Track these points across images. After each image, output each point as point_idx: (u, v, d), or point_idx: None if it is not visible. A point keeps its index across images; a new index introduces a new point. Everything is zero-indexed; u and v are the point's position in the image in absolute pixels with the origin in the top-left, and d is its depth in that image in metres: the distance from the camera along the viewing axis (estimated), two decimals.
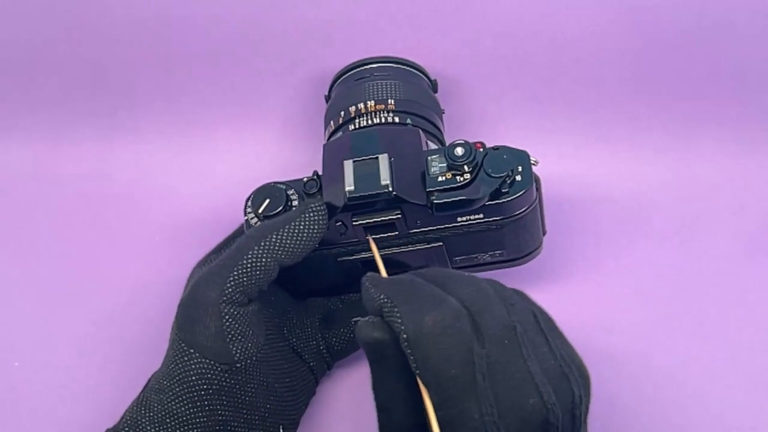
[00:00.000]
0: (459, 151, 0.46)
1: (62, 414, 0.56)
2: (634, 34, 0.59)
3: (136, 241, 0.62)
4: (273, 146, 0.64)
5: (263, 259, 0.44)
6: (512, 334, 0.39)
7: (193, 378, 0.43)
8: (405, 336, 0.38)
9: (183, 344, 0.44)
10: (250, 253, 0.44)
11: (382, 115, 0.51)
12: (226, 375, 0.44)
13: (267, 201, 0.47)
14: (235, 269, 0.44)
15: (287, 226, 0.45)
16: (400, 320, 0.38)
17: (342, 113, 0.52)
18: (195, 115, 0.63)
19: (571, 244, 0.61)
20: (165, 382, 0.44)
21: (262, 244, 0.44)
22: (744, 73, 0.60)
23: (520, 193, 0.47)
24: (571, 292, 0.58)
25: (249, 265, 0.44)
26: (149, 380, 0.46)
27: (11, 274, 0.61)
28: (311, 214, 0.45)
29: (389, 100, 0.51)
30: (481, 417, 0.36)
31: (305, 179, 0.48)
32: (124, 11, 0.58)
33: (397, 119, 0.50)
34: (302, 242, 0.45)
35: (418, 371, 0.38)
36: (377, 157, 0.46)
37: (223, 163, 0.64)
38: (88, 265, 0.61)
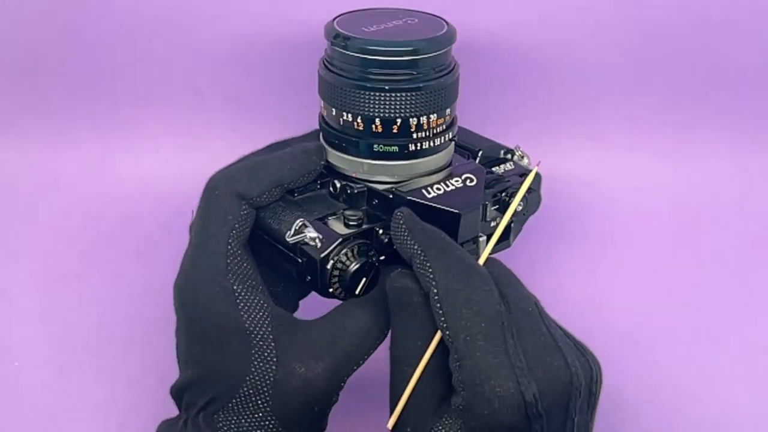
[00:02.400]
0: (520, 207, 0.46)
1: (62, 414, 0.56)
2: (634, 34, 0.59)
3: (136, 241, 0.62)
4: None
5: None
6: (534, 307, 0.40)
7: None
8: (435, 291, 0.38)
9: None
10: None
11: (440, 136, 0.46)
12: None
13: (364, 281, 0.44)
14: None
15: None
16: (432, 275, 0.39)
17: (398, 121, 0.44)
18: (195, 115, 0.63)
19: (571, 244, 0.61)
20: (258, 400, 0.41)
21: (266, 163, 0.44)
22: (744, 73, 0.60)
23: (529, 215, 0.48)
24: (570, 292, 0.58)
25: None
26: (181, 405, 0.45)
27: (11, 274, 0.61)
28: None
29: (446, 111, 0.45)
30: (512, 368, 0.37)
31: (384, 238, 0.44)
32: (124, 11, 0.58)
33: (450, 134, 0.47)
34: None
35: (445, 325, 0.38)
36: (478, 242, 0.46)
37: (223, 163, 0.64)
38: (88, 265, 0.61)
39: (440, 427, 0.38)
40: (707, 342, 0.57)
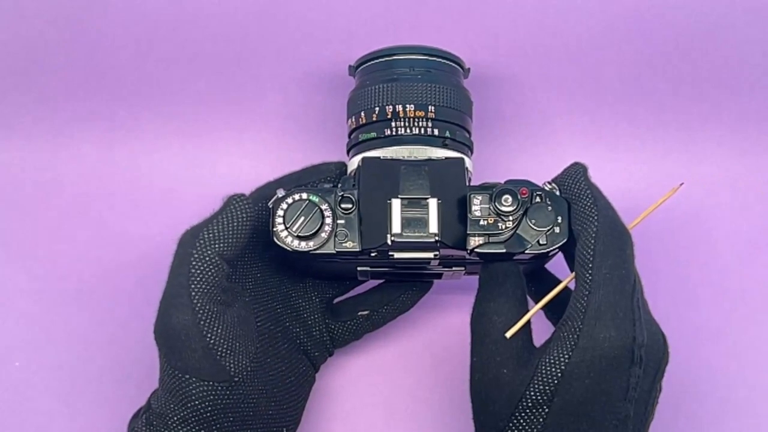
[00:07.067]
0: (507, 200, 0.46)
1: (63, 414, 0.56)
2: (634, 34, 0.59)
3: (135, 241, 0.62)
4: (273, 146, 0.64)
5: (208, 259, 0.44)
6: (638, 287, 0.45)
7: (196, 401, 0.43)
8: (596, 227, 0.44)
9: (176, 372, 0.43)
10: (193, 260, 0.44)
11: (420, 125, 0.49)
12: (227, 392, 0.44)
13: (302, 220, 0.46)
14: (191, 283, 0.43)
15: (214, 221, 0.45)
16: (596, 215, 0.44)
17: (377, 110, 0.50)
18: (195, 115, 0.63)
19: None
20: (168, 407, 0.44)
21: (198, 245, 0.44)
22: (744, 73, 0.60)
23: (556, 246, 0.47)
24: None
25: (200, 271, 0.43)
26: (149, 401, 0.46)
27: (11, 274, 0.61)
28: (234, 209, 0.45)
29: (429, 107, 0.49)
30: (632, 312, 0.42)
31: (339, 193, 0.46)
32: (124, 11, 0.58)
33: (436, 131, 0.49)
34: (233, 232, 0.45)
35: (591, 257, 0.43)
36: (427, 203, 0.45)
37: (224, 162, 0.64)
38: (88, 264, 0.61)
39: (552, 351, 0.42)
40: (706, 342, 0.57)
